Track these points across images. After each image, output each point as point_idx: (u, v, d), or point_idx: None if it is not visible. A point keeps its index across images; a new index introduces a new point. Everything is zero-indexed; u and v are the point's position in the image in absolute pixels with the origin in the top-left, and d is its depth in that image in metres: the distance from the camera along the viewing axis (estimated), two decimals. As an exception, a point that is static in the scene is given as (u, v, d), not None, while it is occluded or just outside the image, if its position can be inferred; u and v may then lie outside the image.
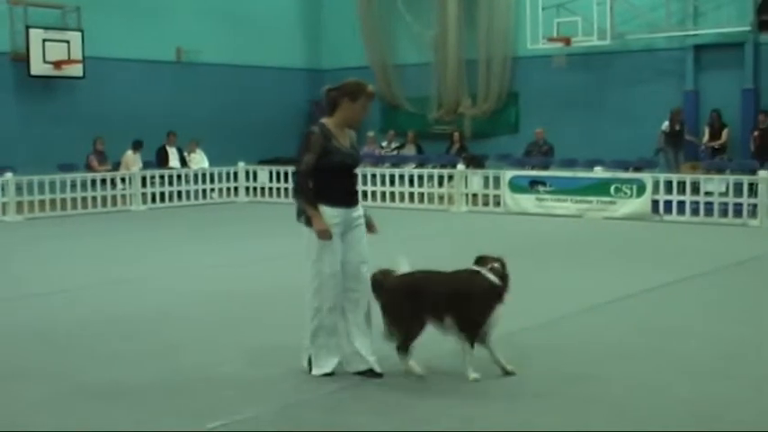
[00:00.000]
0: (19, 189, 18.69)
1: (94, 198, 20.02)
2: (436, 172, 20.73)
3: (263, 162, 23.77)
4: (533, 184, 18.90)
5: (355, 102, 6.97)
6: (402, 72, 25.92)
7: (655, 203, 17.62)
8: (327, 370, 6.90)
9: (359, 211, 7.04)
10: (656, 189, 17.60)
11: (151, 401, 6.50)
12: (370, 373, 6.86)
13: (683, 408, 6.28)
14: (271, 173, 22.54)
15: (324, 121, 6.99)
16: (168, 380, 7.01)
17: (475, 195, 19.74)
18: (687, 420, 6.02)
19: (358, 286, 6.99)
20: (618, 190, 17.89)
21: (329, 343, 6.89)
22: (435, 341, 7.14)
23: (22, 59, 21.20)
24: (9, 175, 18.57)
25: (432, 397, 6.51)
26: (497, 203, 19.31)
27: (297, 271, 11.74)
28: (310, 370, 6.94)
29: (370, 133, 25.02)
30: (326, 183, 6.82)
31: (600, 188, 18.08)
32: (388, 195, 20.61)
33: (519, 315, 8.99)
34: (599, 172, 18.63)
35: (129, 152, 21.52)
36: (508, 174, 19.40)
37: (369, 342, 6.93)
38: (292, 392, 6.61)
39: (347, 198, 6.94)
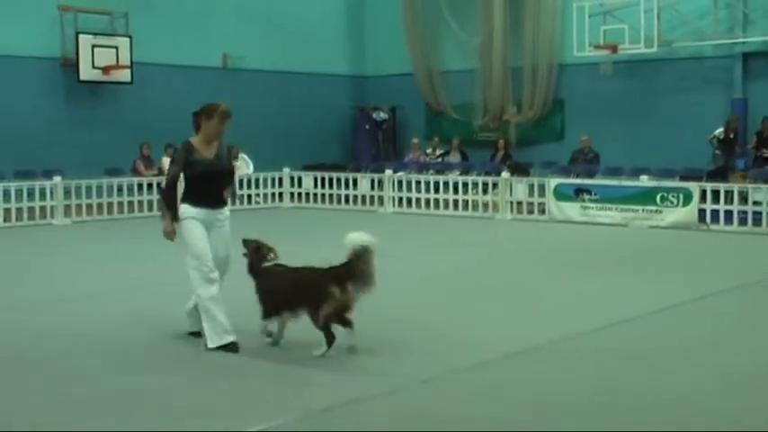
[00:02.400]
0: (67, 193, 18.94)
1: (141, 202, 20.24)
2: (481, 179, 20.72)
3: (307, 168, 23.91)
4: (578, 192, 18.85)
5: (210, 120, 8.16)
6: (447, 79, 25.94)
7: (701, 212, 17.50)
8: (230, 338, 7.95)
9: (224, 213, 8.22)
10: (702, 198, 17.50)
11: (181, 403, 6.56)
12: (234, 346, 7.91)
13: (720, 419, 6.24)
14: (315, 179, 22.67)
15: (190, 139, 8.26)
16: (198, 384, 7.08)
17: (519, 203, 19.71)
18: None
19: (221, 270, 8.15)
20: (664, 199, 17.79)
21: (220, 320, 7.93)
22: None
23: (72, 65, 21.50)
24: (57, 178, 18.83)
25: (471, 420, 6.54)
26: (542, 211, 19.26)
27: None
28: (225, 349, 7.89)
29: (415, 140, 25.08)
30: (192, 188, 8.09)
31: (646, 197, 17.99)
32: (432, 202, 20.64)
33: (561, 324, 9.04)
34: (645, 180, 18.54)
35: (165, 158, 21.72)
36: (553, 181, 19.36)
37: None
38: (327, 398, 6.65)
39: (209, 201, 8.09)
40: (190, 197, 8.08)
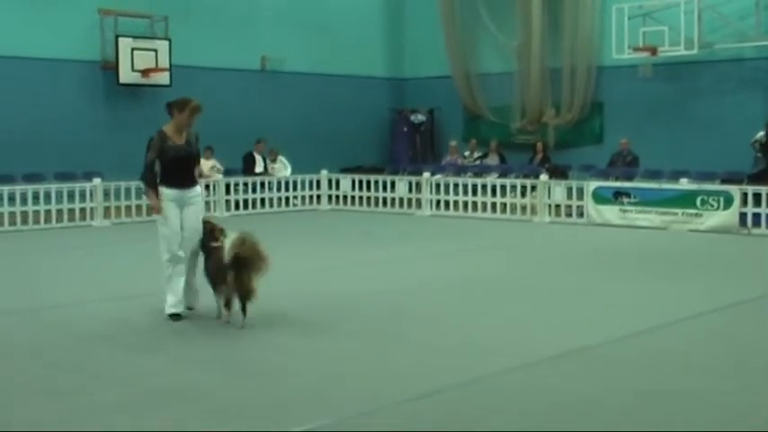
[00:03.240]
0: (106, 194, 19.09)
1: (179, 204, 20.34)
2: (519, 182, 20.66)
3: (345, 170, 23.96)
4: (617, 195, 18.74)
5: (182, 112, 9.32)
6: (485, 81, 25.88)
7: (743, 216, 17.34)
8: (174, 311, 9.23)
9: (194, 191, 9.39)
10: (744, 201, 17.34)
11: (224, 405, 6.57)
12: (179, 316, 9.20)
13: (761, 425, 6.19)
14: (353, 181, 22.71)
15: (163, 127, 9.39)
16: (242, 384, 7.09)
17: (558, 206, 19.63)
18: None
19: (189, 247, 9.36)
20: (704, 202, 17.65)
21: (178, 287, 9.22)
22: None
23: (112, 68, 21.67)
24: (97, 180, 18.99)
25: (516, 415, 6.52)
26: (580, 214, 19.17)
27: (375, 278, 11.87)
28: (172, 318, 9.21)
29: (453, 142, 25.05)
30: (166, 171, 9.25)
31: (685, 200, 17.86)
32: (470, 205, 20.59)
33: (600, 328, 9.00)
34: (685, 183, 18.40)
35: (203, 160, 21.83)
36: (592, 184, 19.26)
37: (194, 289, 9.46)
38: (369, 400, 6.66)
39: (181, 182, 9.28)
40: (165, 179, 9.27)
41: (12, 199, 18.16)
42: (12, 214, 18.02)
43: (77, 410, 6.46)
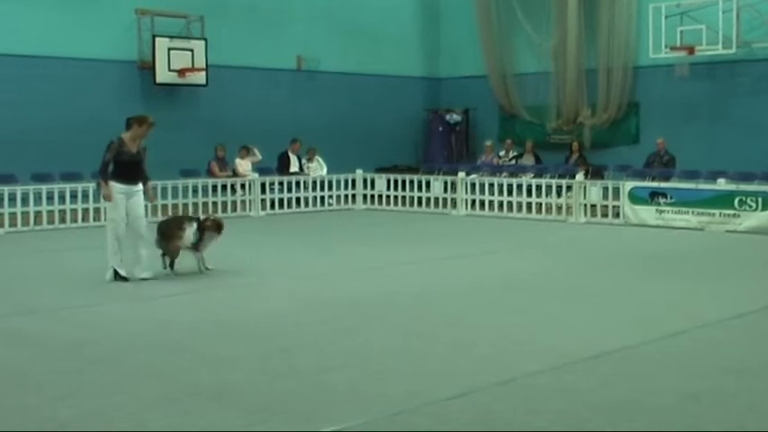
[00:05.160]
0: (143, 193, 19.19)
1: (215, 203, 20.50)
2: (554, 182, 20.58)
3: (380, 170, 23.99)
4: (654, 195, 18.63)
5: (141, 127, 11.76)
6: (520, 81, 25.82)
7: (782, 217, 17.21)
8: (123, 273, 11.66)
9: (138, 187, 11.80)
10: (783, 202, 17.20)
11: (262, 404, 6.59)
12: (125, 279, 11.68)
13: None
14: (388, 181, 22.72)
15: (122, 135, 11.75)
16: (279, 383, 7.10)
17: (593, 206, 19.55)
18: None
19: (137, 230, 11.81)
20: (742, 203, 17.50)
21: (118, 258, 11.65)
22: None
23: (149, 68, 21.83)
24: (134, 180, 19.13)
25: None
26: (616, 215, 19.07)
27: (410, 278, 11.88)
28: (115, 278, 11.64)
29: (488, 142, 25.02)
30: (118, 170, 11.66)
31: (723, 200, 17.71)
32: (505, 205, 20.55)
33: (637, 329, 8.95)
34: (722, 184, 18.26)
35: (239, 159, 21.99)
36: (628, 185, 19.16)
37: (142, 260, 11.83)
38: (403, 399, 6.66)
39: (129, 179, 11.70)
40: (117, 176, 11.67)
41: (50, 198, 18.34)
42: (50, 213, 18.20)
43: (115, 408, 6.50)
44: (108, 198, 11.67)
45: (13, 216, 17.84)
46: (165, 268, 12.21)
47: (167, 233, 12.22)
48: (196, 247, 12.27)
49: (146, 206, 12.37)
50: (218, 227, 12.43)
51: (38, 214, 18.13)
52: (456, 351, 8.08)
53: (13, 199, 17.92)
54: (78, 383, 7.13)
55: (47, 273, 12.55)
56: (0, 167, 18.76)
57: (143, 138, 11.85)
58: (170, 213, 19.18)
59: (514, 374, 7.24)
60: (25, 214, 18.02)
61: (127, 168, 11.71)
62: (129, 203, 11.75)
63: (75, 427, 6.13)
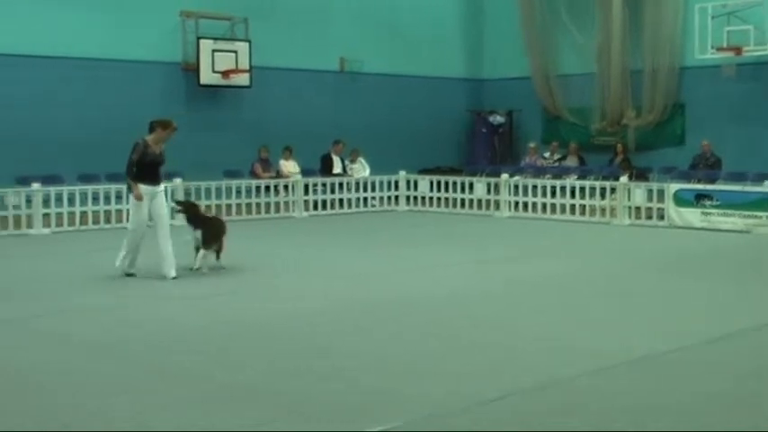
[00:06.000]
0: (187, 194, 19.37)
1: (258, 204, 20.62)
2: (598, 184, 20.46)
3: (423, 171, 23.99)
4: (699, 197, 18.47)
5: (164, 130, 12.19)
6: (564, 82, 25.71)
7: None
8: (131, 271, 12.12)
9: (160, 187, 12.21)
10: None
11: (296, 404, 6.62)
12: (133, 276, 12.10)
13: None
14: (431, 182, 22.71)
15: (146, 137, 12.14)
16: (317, 384, 7.12)
17: (638, 208, 19.42)
18: None
19: (162, 229, 12.08)
20: (790, 205, 17.36)
21: (134, 257, 12.13)
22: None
23: (193, 69, 22.02)
24: (178, 180, 19.28)
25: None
26: (661, 217, 18.93)
27: (450, 279, 11.87)
28: (125, 274, 12.06)
29: (531, 144, 24.94)
30: (142, 171, 11.98)
31: (770, 203, 17.58)
32: (548, 207, 20.49)
33: (679, 332, 8.89)
34: (769, 186, 18.13)
35: (283, 160, 22.10)
36: (673, 187, 19.01)
37: (169, 258, 12.05)
38: (442, 401, 6.66)
39: (152, 180, 12.08)
40: (141, 177, 12.01)
41: (96, 198, 18.53)
42: (95, 213, 18.40)
43: (150, 407, 6.56)
44: (139, 198, 12.01)
45: (59, 216, 18.05)
46: (217, 263, 12.74)
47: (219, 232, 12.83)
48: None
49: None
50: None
51: (83, 214, 18.33)
52: (496, 352, 8.08)
53: (59, 199, 18.12)
54: (110, 383, 7.19)
55: (85, 272, 12.64)
56: (47, 168, 18.99)
57: (165, 141, 12.28)
58: (213, 214, 19.35)
59: (556, 376, 7.23)
60: (71, 214, 18.23)
61: (150, 169, 12.08)
62: (153, 204, 12.13)
63: (104, 427, 6.18)
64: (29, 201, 17.75)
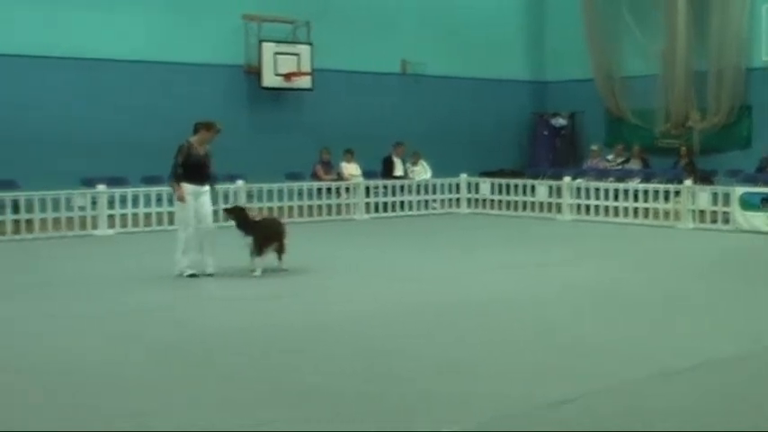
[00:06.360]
0: (249, 196, 19.55)
1: (320, 207, 20.71)
2: (662, 187, 20.23)
3: (484, 174, 23.90)
4: (766, 201, 18.20)
5: (208, 131, 12.57)
6: (628, 84, 25.46)
7: None
8: (191, 272, 12.30)
9: (205, 188, 12.55)
10: None
11: (348, 407, 6.64)
12: (206, 275, 12.36)
13: None
14: (492, 185, 22.64)
15: (190, 138, 12.54)
16: (381, 385, 7.15)
17: (702, 212, 19.18)
18: None
19: (205, 227, 12.50)
20: None
21: (191, 257, 12.33)
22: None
23: (255, 72, 22.18)
24: (240, 182, 19.46)
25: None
26: (726, 221, 18.67)
27: (511, 283, 11.82)
28: (181, 274, 12.27)
29: (594, 146, 24.72)
30: (188, 171, 12.39)
31: (840, 207, 17.26)
32: (611, 210, 20.31)
33: (743, 338, 8.77)
34: (839, 189, 17.81)
35: (344, 163, 22.15)
36: (738, 190, 18.75)
37: (210, 257, 12.48)
38: (509, 403, 6.65)
39: (197, 180, 12.45)
40: (186, 178, 12.41)
41: (159, 200, 18.74)
42: (159, 215, 18.61)
43: (212, 408, 6.61)
44: (181, 199, 12.46)
45: (123, 217, 18.29)
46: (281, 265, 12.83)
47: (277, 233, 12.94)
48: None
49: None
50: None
51: (147, 216, 18.55)
52: (560, 356, 8.05)
53: (123, 201, 18.37)
54: (172, 384, 7.29)
55: (146, 273, 12.82)
56: (112, 170, 19.26)
57: (209, 142, 12.65)
58: (275, 216, 19.46)
59: (620, 380, 7.20)
60: (135, 216, 18.45)
61: (195, 170, 12.46)
62: (198, 203, 12.50)
63: (179, 425, 6.25)
64: (94, 202, 18.03)
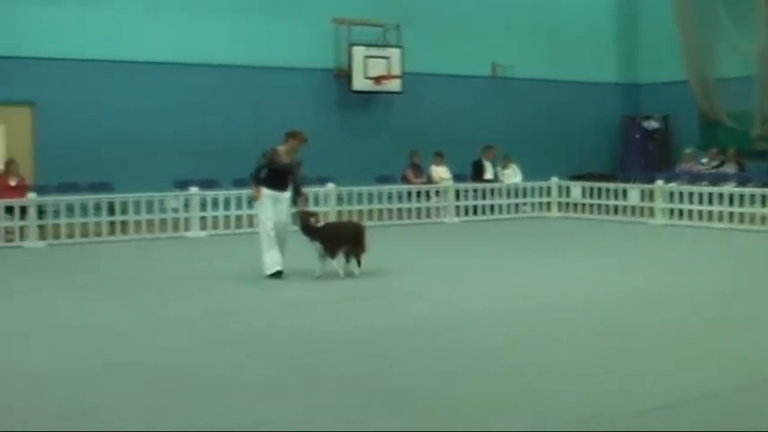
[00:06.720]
0: (339, 199, 19.65)
1: (409, 210, 20.71)
2: (759, 191, 19.79)
3: (575, 177, 23.68)
4: None
5: (294, 140, 12.87)
6: (723, 86, 24.98)
7: None
8: (278, 268, 12.62)
9: (285, 194, 12.87)
10: None
11: (439, 405, 6.62)
12: (280, 273, 12.59)
13: None
14: (583, 188, 22.40)
15: (278, 147, 12.86)
16: (478, 387, 7.10)
17: (801, 217, 18.73)
18: None
19: (282, 233, 12.82)
20: None
21: (274, 256, 12.65)
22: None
23: (344, 76, 22.30)
24: (330, 185, 19.57)
25: None
26: (826, 225, 18.22)
27: (606, 286, 11.66)
28: (272, 276, 12.53)
29: (688, 150, 24.29)
30: (269, 177, 12.77)
31: None
32: (705, 214, 19.93)
33: None
34: None
35: (434, 166, 22.11)
36: (839, 194, 18.28)
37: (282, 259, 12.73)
38: (610, 404, 6.54)
39: (277, 186, 12.80)
40: (267, 182, 12.79)
41: (249, 202, 18.89)
42: (249, 217, 18.76)
43: (316, 410, 6.63)
44: (255, 198, 12.99)
45: (215, 219, 18.51)
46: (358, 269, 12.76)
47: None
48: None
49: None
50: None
51: (238, 218, 18.75)
52: (649, 362, 7.91)
53: (215, 203, 18.59)
54: (276, 385, 7.33)
55: (237, 274, 12.96)
56: (204, 173, 19.54)
57: (296, 152, 12.92)
58: (365, 219, 19.53)
59: (712, 389, 7.07)
60: (226, 218, 18.67)
61: (277, 176, 12.78)
62: (276, 209, 12.78)
63: (275, 427, 6.30)
64: (186, 204, 18.30)
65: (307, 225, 12.65)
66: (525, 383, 7.23)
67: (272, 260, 12.65)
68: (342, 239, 12.76)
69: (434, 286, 12.05)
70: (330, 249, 12.56)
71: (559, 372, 7.55)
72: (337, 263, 12.61)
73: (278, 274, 12.55)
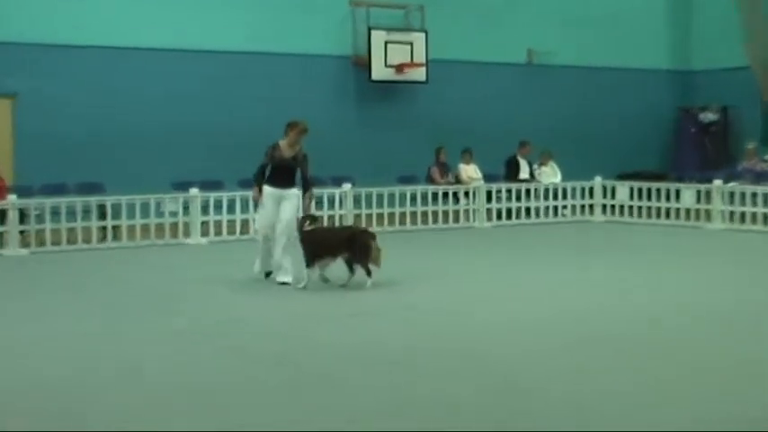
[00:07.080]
0: (357, 201, 19.50)
1: (435, 213, 20.55)
2: (829, 191, 19.59)
3: (621, 177, 23.48)
4: None
5: (292, 132, 13.00)
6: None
7: None
8: (259, 270, 13.21)
9: (290, 191, 13.08)
10: None
11: (465, 415, 6.78)
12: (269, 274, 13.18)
13: None
14: (631, 189, 22.18)
15: (279, 141, 13.08)
16: (503, 399, 7.22)
17: None
18: None
19: (279, 232, 12.88)
20: None
21: (260, 263, 13.22)
22: None
23: (363, 63, 22.19)
24: (347, 186, 19.40)
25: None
26: None
27: (657, 303, 11.49)
28: (266, 277, 13.15)
29: (750, 145, 24.03)
30: (271, 174, 13.07)
31: None
32: (759, 217, 19.72)
33: None
34: None
35: (462, 164, 21.93)
36: None
37: (278, 263, 12.97)
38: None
39: (280, 183, 13.01)
40: (270, 180, 13.06)
41: (257, 205, 18.78)
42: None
43: (335, 420, 6.79)
44: (255, 199, 13.45)
45: (218, 224, 18.35)
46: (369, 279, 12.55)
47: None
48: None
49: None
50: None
51: (244, 222, 18.59)
52: (690, 375, 7.95)
53: (219, 206, 18.37)
54: (293, 395, 7.48)
55: (244, 284, 13.03)
56: (206, 173, 19.40)
57: (297, 143, 13.06)
58: (385, 224, 19.42)
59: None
60: (231, 222, 18.53)
61: (279, 172, 13.06)
62: (280, 208, 12.99)
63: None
64: (186, 207, 18.20)
65: (300, 228, 12.75)
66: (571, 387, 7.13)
67: (257, 267, 13.20)
68: (324, 247, 12.54)
69: (460, 297, 12.01)
70: (307, 256, 12.53)
71: (576, 388, 7.44)
72: (306, 272, 12.53)
73: (268, 275, 13.11)
